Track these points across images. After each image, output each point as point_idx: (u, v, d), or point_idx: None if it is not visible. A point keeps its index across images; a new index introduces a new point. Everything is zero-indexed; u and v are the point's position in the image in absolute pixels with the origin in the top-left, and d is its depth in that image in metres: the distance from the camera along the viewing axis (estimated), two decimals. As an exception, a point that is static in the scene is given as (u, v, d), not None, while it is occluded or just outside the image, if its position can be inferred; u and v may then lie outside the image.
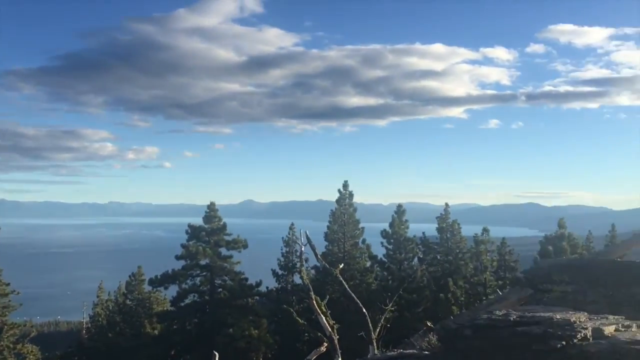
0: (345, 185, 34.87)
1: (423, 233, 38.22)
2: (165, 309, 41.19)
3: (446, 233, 37.15)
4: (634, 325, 8.47)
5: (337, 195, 35.07)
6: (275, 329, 33.57)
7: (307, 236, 14.31)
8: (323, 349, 12.55)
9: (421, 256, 36.79)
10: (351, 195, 34.66)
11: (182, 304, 30.79)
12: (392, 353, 9.62)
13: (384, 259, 35.04)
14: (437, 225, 37.44)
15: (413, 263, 35.49)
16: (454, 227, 37.00)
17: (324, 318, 12.42)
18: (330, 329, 12.24)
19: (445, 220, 37.18)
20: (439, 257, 37.19)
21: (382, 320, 13.88)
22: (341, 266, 16.84)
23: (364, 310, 12.90)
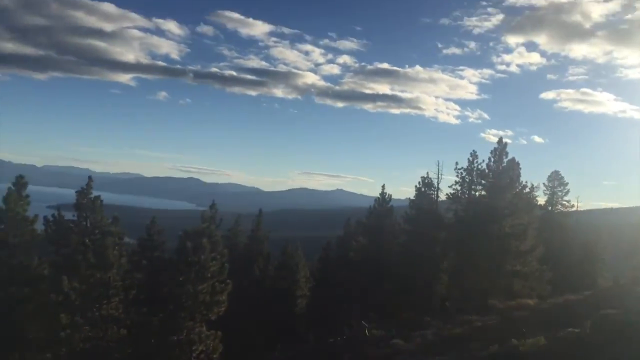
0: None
1: (58, 209, 31.03)
2: None
3: (86, 211, 30.64)
4: None
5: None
6: None
7: None
8: None
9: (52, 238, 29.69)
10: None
11: None
12: None
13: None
14: (75, 201, 30.58)
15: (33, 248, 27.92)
16: (96, 203, 30.58)
17: None
18: None
19: (87, 195, 30.52)
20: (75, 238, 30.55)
21: None
22: None
23: None
